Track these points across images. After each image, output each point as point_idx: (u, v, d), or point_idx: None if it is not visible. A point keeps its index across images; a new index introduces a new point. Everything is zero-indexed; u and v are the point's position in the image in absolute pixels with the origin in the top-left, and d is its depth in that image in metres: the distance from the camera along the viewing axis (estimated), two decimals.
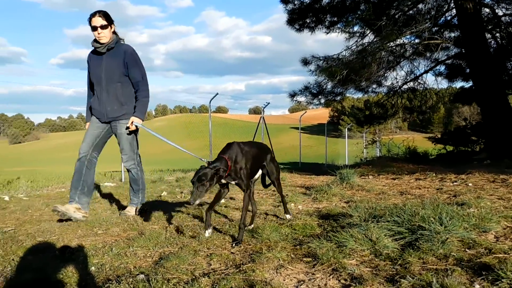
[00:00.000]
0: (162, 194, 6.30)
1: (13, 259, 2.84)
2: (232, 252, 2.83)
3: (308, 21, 11.10)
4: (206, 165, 3.04)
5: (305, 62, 10.63)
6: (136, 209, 4.52)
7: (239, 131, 19.81)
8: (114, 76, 4.21)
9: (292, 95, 11.63)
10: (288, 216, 3.85)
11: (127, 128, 4.26)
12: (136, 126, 4.27)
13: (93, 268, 2.55)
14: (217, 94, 11.39)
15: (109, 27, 4.20)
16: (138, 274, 2.33)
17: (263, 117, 14.55)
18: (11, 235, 3.69)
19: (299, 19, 11.16)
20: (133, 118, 4.21)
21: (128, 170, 4.51)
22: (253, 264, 2.47)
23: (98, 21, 4.12)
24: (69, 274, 2.43)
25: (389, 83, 11.62)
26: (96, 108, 4.36)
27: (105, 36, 4.17)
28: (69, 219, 4.12)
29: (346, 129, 24.47)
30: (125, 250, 2.95)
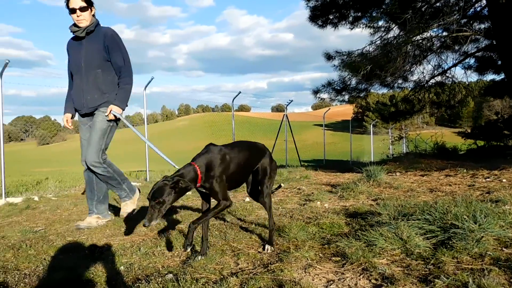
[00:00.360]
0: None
1: (44, 258, 2.92)
2: (259, 252, 2.83)
3: (331, 17, 10.98)
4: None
5: (328, 57, 10.53)
6: (132, 200, 4.08)
7: (262, 129, 19.81)
8: (94, 61, 3.83)
9: (315, 91, 11.54)
10: (268, 248, 2.85)
11: (106, 116, 3.84)
12: (114, 116, 3.84)
13: (122, 267, 2.60)
14: (240, 92, 11.44)
15: (89, 9, 3.82)
16: (166, 274, 2.36)
17: (286, 115, 14.50)
18: (42, 234, 3.80)
19: (322, 15, 11.05)
20: (111, 106, 3.80)
21: (90, 170, 3.90)
22: (281, 263, 2.46)
23: (77, 2, 3.75)
24: (99, 274, 2.49)
25: (416, 78, 11.37)
26: (75, 100, 3.99)
27: (84, 19, 3.80)
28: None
29: (371, 125, 24.13)
30: (153, 249, 2.99)
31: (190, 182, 2.52)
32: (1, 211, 5.65)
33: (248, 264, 2.57)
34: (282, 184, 4.02)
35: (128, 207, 4.03)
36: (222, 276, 2.30)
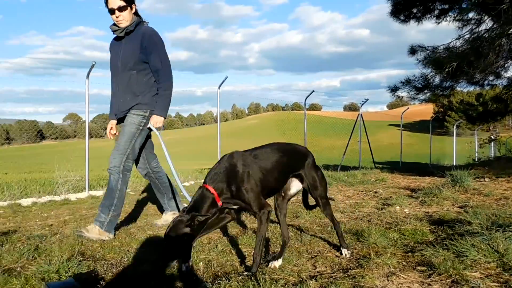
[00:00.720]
0: None
1: (128, 250, 3.13)
2: (337, 256, 2.79)
3: (414, 11, 10.45)
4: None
5: (413, 51, 10.02)
6: (96, 230, 3.53)
7: (334, 128, 19.48)
8: (129, 62, 3.64)
9: (393, 89, 11.07)
10: (344, 252, 2.79)
11: (146, 126, 3.68)
12: (149, 128, 3.72)
13: (201, 263, 2.70)
14: (313, 91, 11.37)
15: (129, 8, 3.63)
16: (245, 273, 2.42)
17: (361, 114, 14.12)
18: (124, 227, 4.07)
19: (405, 9, 10.56)
20: (153, 117, 3.66)
21: (109, 173, 3.67)
22: (362, 269, 2.41)
23: (115, 2, 3.58)
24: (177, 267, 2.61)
25: (510, 74, 10.47)
26: (113, 104, 3.85)
27: (124, 19, 3.63)
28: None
29: (454, 126, 22.67)
30: (230, 247, 3.08)
31: (208, 211, 2.38)
32: (85, 203, 6.16)
33: (326, 267, 2.55)
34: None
35: (92, 233, 3.52)
36: (300, 279, 2.31)
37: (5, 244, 3.26)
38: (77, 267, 2.57)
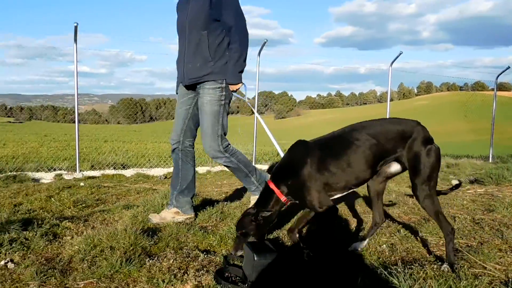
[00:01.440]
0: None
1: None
2: None
3: None
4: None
5: None
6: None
7: None
8: (198, 21, 3.21)
9: None
10: (444, 267, 2.20)
11: (217, 93, 3.27)
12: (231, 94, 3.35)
13: (385, 246, 2.67)
14: (509, 67, 9.91)
15: None
16: (436, 262, 2.30)
17: None
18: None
19: None
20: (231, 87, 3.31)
21: (217, 161, 3.47)
22: None
23: None
24: (366, 248, 2.62)
25: None
26: (178, 69, 3.48)
27: None
28: None
29: None
30: (412, 234, 2.96)
31: (273, 207, 2.45)
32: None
33: None
34: (460, 180, 3.08)
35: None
36: (508, 279, 2.09)
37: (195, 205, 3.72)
38: None
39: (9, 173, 6.32)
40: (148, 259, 2.36)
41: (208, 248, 2.68)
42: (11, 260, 2.32)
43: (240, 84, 3.29)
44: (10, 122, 34.08)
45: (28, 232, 2.78)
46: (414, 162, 2.29)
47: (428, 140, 2.32)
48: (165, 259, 2.38)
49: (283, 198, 2.44)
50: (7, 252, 2.43)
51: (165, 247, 2.59)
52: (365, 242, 2.64)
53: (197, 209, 3.59)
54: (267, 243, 2.23)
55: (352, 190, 2.48)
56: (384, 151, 2.35)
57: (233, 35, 3.20)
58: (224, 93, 3.28)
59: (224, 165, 3.42)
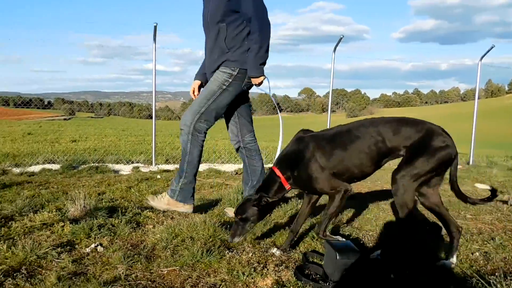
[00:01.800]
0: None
1: (378, 225, 3.18)
2: None
3: None
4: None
5: None
6: (165, 199, 3.29)
7: None
8: (218, 13, 3.18)
9: None
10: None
11: (232, 86, 3.21)
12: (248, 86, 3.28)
13: (477, 253, 2.51)
14: None
15: None
16: None
17: None
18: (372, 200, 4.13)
19: None
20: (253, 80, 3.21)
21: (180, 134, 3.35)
22: None
23: None
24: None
25: None
26: (205, 63, 3.46)
27: None
28: None
29: None
30: (509, 242, 2.76)
31: (275, 194, 2.48)
32: None
33: None
34: (493, 187, 2.56)
35: (160, 202, 3.30)
36: None
37: None
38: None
39: (92, 164, 6.79)
40: (227, 251, 2.42)
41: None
42: (100, 244, 2.48)
43: (262, 77, 3.19)
44: (91, 117, 36.61)
45: (113, 219, 2.96)
46: (410, 152, 2.31)
47: (433, 135, 2.30)
48: (244, 252, 2.42)
49: (287, 186, 2.49)
50: (96, 237, 2.61)
51: (243, 240, 2.63)
52: (454, 257, 2.39)
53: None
54: (350, 243, 2.18)
55: (355, 182, 2.53)
56: (389, 149, 2.37)
57: (253, 25, 3.12)
58: (230, 80, 3.20)
59: (180, 139, 3.31)
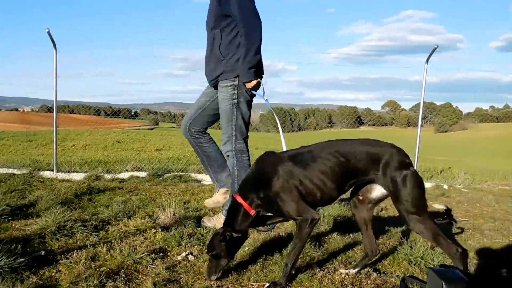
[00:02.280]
0: None
1: None
2: None
3: None
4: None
5: None
6: (221, 219, 3.22)
7: None
8: (211, 20, 3.17)
9: None
10: None
11: (229, 91, 3.14)
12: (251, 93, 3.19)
13: None
14: None
15: None
16: None
17: None
18: (470, 226, 3.86)
19: None
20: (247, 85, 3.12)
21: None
22: None
23: None
24: None
25: None
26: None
27: None
28: None
29: None
30: None
31: (242, 224, 2.32)
32: None
33: None
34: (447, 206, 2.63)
35: (217, 222, 3.30)
36: None
37: None
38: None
39: (176, 173, 7.09)
40: (318, 269, 2.38)
41: (379, 267, 2.59)
42: (191, 253, 2.58)
43: (255, 81, 3.10)
44: (173, 127, 38.46)
45: (201, 228, 3.06)
46: (394, 190, 2.25)
47: (403, 165, 2.26)
48: (336, 272, 2.37)
49: (252, 212, 2.33)
50: (186, 245, 2.72)
51: (332, 259, 2.58)
52: (354, 271, 2.43)
53: None
54: (456, 270, 2.05)
55: (318, 207, 2.45)
56: (353, 171, 2.33)
57: (239, 28, 3.05)
58: (236, 91, 3.15)
59: (228, 163, 3.34)
